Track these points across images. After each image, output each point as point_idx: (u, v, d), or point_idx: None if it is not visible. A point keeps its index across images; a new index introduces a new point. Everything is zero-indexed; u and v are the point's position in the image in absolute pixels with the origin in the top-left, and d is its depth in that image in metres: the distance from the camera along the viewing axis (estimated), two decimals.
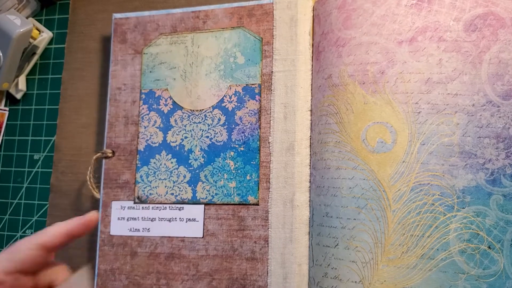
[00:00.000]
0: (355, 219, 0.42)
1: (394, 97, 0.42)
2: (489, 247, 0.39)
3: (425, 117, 0.41)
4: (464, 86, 0.40)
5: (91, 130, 0.57)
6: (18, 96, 0.60)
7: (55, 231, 0.40)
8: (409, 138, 0.41)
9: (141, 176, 0.50)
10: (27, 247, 0.39)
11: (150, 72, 0.52)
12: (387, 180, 0.41)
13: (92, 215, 0.45)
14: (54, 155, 0.57)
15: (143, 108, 0.51)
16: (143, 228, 0.49)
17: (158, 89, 0.51)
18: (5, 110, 0.60)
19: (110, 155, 0.51)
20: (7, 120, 0.60)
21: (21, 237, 0.58)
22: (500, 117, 0.40)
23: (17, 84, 0.60)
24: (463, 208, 0.39)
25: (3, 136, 0.60)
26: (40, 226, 0.57)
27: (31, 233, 0.54)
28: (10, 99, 0.61)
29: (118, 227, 0.50)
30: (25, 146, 0.60)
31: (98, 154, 0.51)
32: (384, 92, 0.42)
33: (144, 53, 0.52)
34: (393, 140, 0.41)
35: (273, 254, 0.46)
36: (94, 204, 0.53)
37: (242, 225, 0.47)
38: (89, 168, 0.51)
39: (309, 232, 0.45)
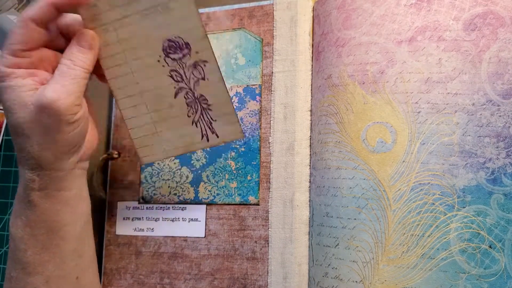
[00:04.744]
0: (355, 219, 0.42)
1: (394, 97, 0.42)
2: (490, 247, 0.39)
3: (425, 117, 0.41)
4: (464, 85, 0.40)
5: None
6: None
7: (37, 4, 0.40)
8: (409, 137, 0.41)
9: (145, 177, 0.51)
10: (17, 26, 0.39)
11: None
12: (387, 180, 0.41)
13: None
14: None
15: None
16: (147, 228, 0.50)
17: None
18: None
19: (116, 156, 0.52)
20: None
21: None
22: (500, 116, 0.40)
23: None
24: (464, 207, 0.39)
25: (3, 136, 0.60)
26: None
27: None
28: None
29: (123, 227, 0.51)
30: None
31: (104, 155, 0.52)
32: (384, 92, 0.42)
33: None
34: (393, 140, 0.41)
35: (273, 254, 0.46)
36: (100, 204, 0.54)
37: (243, 225, 0.48)
38: (96, 168, 0.52)
39: (309, 232, 0.46)
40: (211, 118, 0.43)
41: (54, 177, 0.41)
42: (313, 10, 0.48)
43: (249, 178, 0.48)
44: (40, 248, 0.41)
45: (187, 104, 0.43)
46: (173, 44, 0.42)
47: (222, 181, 0.49)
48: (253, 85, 0.49)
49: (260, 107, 0.49)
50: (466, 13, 0.41)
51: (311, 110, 0.47)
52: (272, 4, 0.49)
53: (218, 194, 0.49)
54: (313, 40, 0.48)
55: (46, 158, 0.40)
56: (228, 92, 0.42)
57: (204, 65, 0.42)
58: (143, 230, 0.50)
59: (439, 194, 0.40)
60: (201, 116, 0.43)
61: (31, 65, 0.40)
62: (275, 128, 0.48)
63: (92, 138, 0.44)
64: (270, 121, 0.48)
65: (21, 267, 0.41)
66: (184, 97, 0.43)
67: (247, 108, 0.49)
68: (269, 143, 0.48)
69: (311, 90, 0.47)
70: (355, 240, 0.41)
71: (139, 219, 0.51)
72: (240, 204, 0.48)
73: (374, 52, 0.43)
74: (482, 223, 0.39)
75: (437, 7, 0.41)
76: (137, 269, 0.50)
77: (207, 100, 0.42)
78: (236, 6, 0.51)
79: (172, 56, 0.42)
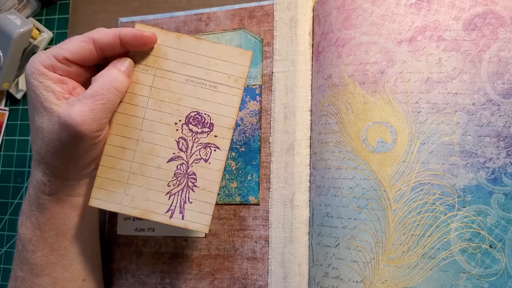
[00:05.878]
0: (355, 219, 0.42)
1: (394, 97, 0.42)
2: (490, 246, 0.39)
3: (425, 117, 0.41)
4: (464, 85, 0.40)
5: None
6: (19, 96, 0.60)
7: (106, 31, 0.40)
8: (409, 137, 0.41)
9: None
10: (78, 38, 0.39)
11: None
12: (387, 179, 0.41)
13: (150, 32, 0.41)
14: None
15: None
16: (148, 228, 0.50)
17: None
18: (5, 110, 0.60)
19: None
20: (7, 120, 0.60)
21: None
22: (500, 115, 0.40)
23: (17, 84, 0.60)
24: (464, 207, 0.39)
25: (3, 136, 0.60)
26: None
27: None
28: (10, 99, 0.61)
29: (124, 227, 0.51)
30: (25, 146, 0.59)
31: None
32: (384, 92, 0.42)
33: None
34: (393, 140, 0.41)
35: (273, 254, 0.46)
36: None
37: (243, 225, 0.48)
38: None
39: (309, 232, 0.46)
40: (188, 198, 0.41)
41: (65, 184, 0.41)
42: (313, 10, 0.48)
43: (249, 178, 0.48)
44: (49, 250, 0.41)
45: (175, 174, 0.41)
46: (199, 118, 0.42)
47: (222, 181, 0.49)
48: (253, 85, 0.49)
49: (260, 107, 0.49)
50: (466, 13, 0.41)
51: (311, 110, 0.47)
52: (272, 4, 0.49)
53: (218, 194, 0.49)
54: (313, 40, 0.48)
55: (58, 168, 0.40)
56: (219, 186, 0.42)
57: (215, 150, 0.42)
58: (144, 230, 0.50)
59: (439, 194, 0.40)
60: (180, 192, 0.41)
61: (66, 74, 0.40)
62: (275, 128, 0.48)
63: None
64: (270, 121, 0.48)
65: (28, 268, 0.41)
66: (177, 166, 0.42)
67: (247, 108, 0.49)
68: (269, 143, 0.48)
69: (311, 90, 0.47)
70: (355, 240, 0.41)
71: (140, 219, 0.51)
72: (240, 204, 0.48)
73: (374, 52, 0.43)
74: (483, 223, 0.39)
75: (437, 7, 0.41)
76: (138, 269, 0.50)
77: (196, 181, 0.41)
78: (236, 6, 0.51)
79: (191, 126, 0.42)
